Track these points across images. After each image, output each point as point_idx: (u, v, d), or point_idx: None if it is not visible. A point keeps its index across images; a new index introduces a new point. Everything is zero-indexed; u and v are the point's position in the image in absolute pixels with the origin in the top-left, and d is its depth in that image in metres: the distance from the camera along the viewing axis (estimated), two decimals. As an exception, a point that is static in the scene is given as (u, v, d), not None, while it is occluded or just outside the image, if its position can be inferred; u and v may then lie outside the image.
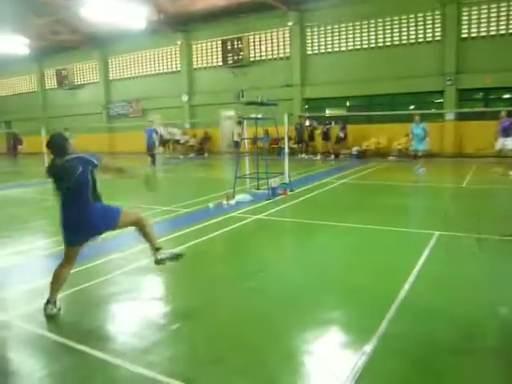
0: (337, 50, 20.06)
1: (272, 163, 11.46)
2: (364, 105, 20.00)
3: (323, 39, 20.33)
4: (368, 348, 3.12)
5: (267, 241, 6.38)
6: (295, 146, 20.08)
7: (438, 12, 17.66)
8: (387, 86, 18.55)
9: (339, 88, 19.79)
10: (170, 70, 25.28)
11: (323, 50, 20.43)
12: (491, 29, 16.89)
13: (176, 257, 4.23)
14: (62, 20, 23.22)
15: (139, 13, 17.88)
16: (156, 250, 4.18)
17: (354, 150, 18.97)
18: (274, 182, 9.85)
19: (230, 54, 22.29)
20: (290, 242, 6.68)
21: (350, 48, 19.74)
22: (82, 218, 3.78)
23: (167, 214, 8.13)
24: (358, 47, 19.52)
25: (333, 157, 18.86)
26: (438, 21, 17.69)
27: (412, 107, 18.78)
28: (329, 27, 20.05)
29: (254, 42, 22.13)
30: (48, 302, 3.84)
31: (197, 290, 4.53)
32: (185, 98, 24.33)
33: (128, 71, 27.09)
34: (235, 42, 22.08)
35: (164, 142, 23.02)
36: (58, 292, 3.92)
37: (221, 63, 22.88)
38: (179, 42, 24.05)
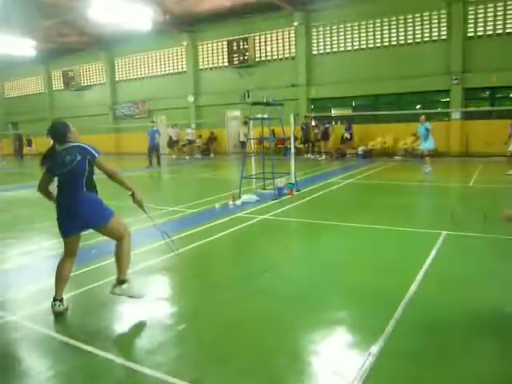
0: (342, 49, 20.02)
1: (278, 163, 11.45)
2: (370, 104, 19.95)
3: (329, 39, 20.29)
4: (375, 348, 3.10)
5: (273, 241, 6.37)
6: (301, 146, 20.07)
7: (443, 11, 17.57)
8: (393, 86, 18.50)
9: (345, 88, 19.75)
10: (175, 71, 25.36)
11: (329, 50, 20.39)
12: (497, 27, 16.78)
13: (131, 297, 3.98)
14: (69, 22, 23.40)
15: (145, 14, 17.94)
16: (120, 282, 3.92)
17: (360, 149, 18.94)
18: (280, 182, 9.84)
19: (236, 55, 22.30)
20: (297, 242, 6.66)
21: (355, 48, 19.69)
22: (74, 206, 3.72)
23: (173, 214, 8.14)
24: (364, 47, 19.47)
25: (334, 157, 18.82)
26: (444, 20, 17.61)
27: (418, 106, 18.74)
28: (334, 27, 20.01)
29: (259, 42, 22.14)
30: (54, 299, 3.86)
31: (203, 290, 4.52)
32: (191, 98, 24.37)
33: (134, 72, 27.20)
34: (241, 43, 22.09)
35: (173, 143, 23.02)
36: (63, 288, 3.92)
37: (226, 64, 22.91)
38: (185, 43, 24.10)
